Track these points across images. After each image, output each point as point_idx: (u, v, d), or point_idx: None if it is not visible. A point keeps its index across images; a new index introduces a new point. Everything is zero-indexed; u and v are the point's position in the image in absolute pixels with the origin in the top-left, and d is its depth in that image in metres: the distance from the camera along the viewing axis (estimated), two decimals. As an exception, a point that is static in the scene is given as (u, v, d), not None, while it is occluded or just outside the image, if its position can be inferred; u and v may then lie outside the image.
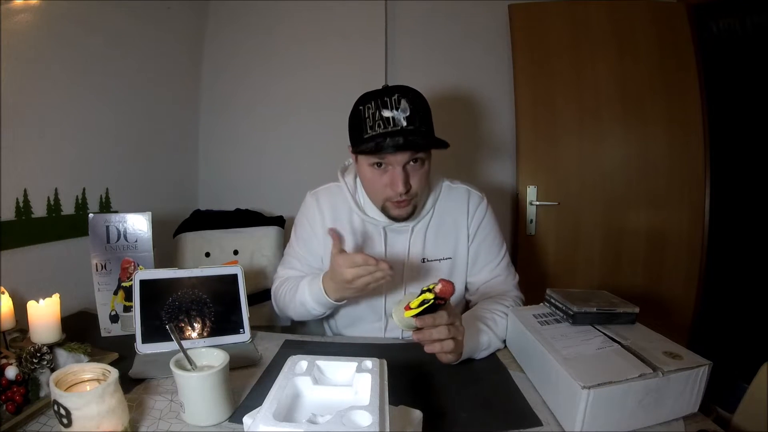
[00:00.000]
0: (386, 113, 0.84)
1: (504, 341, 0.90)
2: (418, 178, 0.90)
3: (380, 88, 0.90)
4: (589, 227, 1.83)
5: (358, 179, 1.01)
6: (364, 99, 0.89)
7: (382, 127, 0.84)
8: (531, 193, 1.84)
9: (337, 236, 0.87)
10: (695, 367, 0.63)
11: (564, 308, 0.82)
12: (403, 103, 0.85)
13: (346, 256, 0.81)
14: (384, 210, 0.95)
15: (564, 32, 1.80)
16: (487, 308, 0.93)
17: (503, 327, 0.90)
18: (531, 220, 1.86)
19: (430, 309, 0.70)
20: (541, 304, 0.91)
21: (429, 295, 0.68)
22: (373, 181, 0.92)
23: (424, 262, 1.00)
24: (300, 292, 0.95)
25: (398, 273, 0.98)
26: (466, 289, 1.07)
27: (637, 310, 0.79)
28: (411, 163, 0.88)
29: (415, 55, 1.92)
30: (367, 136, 0.85)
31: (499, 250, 1.05)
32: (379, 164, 0.89)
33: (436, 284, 0.68)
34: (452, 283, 0.68)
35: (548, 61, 1.81)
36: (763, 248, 1.78)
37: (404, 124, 0.84)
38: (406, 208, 0.92)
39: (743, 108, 1.85)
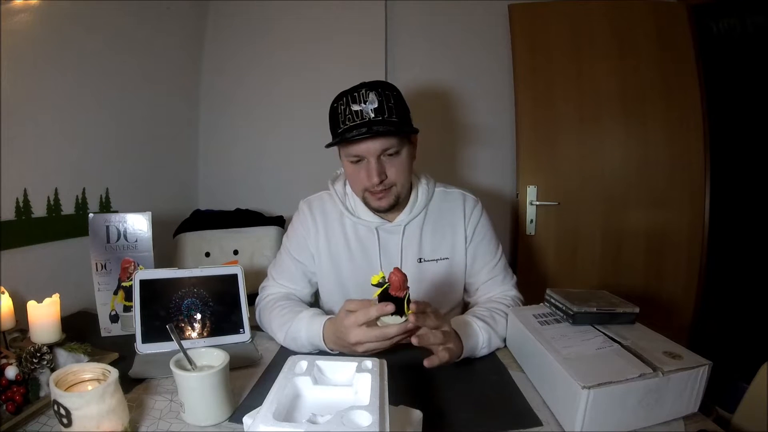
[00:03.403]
0: (355, 107, 0.88)
1: (504, 340, 0.90)
2: (395, 168, 0.92)
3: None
4: (589, 227, 1.83)
5: (347, 185, 1.04)
6: (338, 97, 0.93)
7: (352, 120, 0.87)
8: (531, 193, 1.84)
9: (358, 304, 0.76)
10: (695, 367, 0.63)
11: (564, 308, 0.82)
12: (371, 96, 0.87)
13: (356, 320, 0.73)
14: (366, 203, 0.97)
15: (564, 32, 1.80)
16: (486, 307, 0.93)
17: (503, 325, 0.90)
18: (531, 220, 1.85)
19: (390, 300, 0.68)
20: (541, 304, 0.91)
21: (379, 276, 0.69)
22: (353, 175, 0.95)
23: (420, 262, 1.01)
24: (295, 327, 0.88)
25: None
26: (465, 290, 1.07)
27: (637, 310, 0.79)
28: (386, 155, 0.90)
29: (415, 55, 1.92)
30: (339, 131, 0.89)
31: (495, 251, 1.06)
32: (357, 160, 0.91)
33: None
34: (403, 274, 0.67)
35: (548, 61, 1.81)
36: (763, 248, 1.78)
37: (372, 115, 0.87)
38: (385, 198, 0.94)
39: (743, 108, 1.85)
